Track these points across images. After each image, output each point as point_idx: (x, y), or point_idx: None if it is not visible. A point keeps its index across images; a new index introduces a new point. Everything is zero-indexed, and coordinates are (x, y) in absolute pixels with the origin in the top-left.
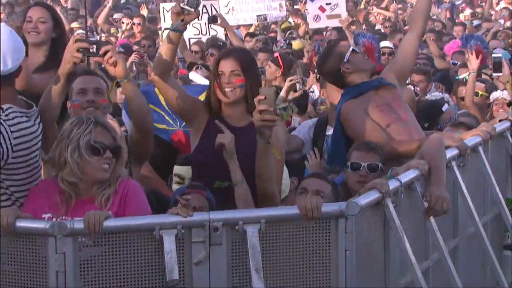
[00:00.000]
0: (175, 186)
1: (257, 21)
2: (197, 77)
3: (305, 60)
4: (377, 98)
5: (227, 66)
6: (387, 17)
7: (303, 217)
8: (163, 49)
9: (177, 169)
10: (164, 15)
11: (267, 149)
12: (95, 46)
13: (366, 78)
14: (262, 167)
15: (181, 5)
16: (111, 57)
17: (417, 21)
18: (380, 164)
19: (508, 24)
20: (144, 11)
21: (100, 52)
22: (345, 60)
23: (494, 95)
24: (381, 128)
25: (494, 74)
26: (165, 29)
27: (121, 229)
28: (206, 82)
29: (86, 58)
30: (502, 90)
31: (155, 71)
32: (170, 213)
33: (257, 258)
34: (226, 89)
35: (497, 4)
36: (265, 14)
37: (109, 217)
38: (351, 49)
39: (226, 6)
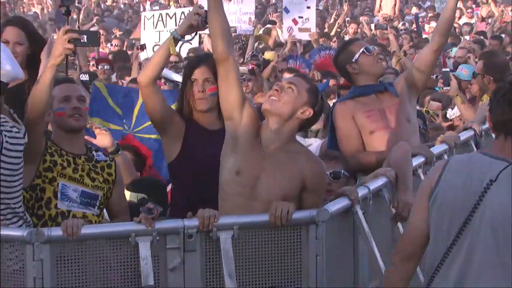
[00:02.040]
0: None
1: None
2: (171, 73)
3: (266, 73)
4: (374, 102)
5: (200, 74)
6: (357, 30)
7: (272, 225)
8: (160, 54)
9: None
10: (144, 24)
11: None
12: (85, 36)
13: (372, 81)
14: (215, 20)
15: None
16: None
17: (434, 36)
18: (343, 171)
19: (467, 37)
20: (118, 33)
21: None
22: (353, 60)
23: (451, 113)
24: (360, 135)
25: (444, 88)
26: (181, 40)
27: (98, 236)
28: (179, 78)
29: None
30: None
31: (146, 75)
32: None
33: (230, 264)
34: (199, 97)
35: (459, 18)
36: (236, 27)
37: (86, 224)
38: (361, 50)
39: None
